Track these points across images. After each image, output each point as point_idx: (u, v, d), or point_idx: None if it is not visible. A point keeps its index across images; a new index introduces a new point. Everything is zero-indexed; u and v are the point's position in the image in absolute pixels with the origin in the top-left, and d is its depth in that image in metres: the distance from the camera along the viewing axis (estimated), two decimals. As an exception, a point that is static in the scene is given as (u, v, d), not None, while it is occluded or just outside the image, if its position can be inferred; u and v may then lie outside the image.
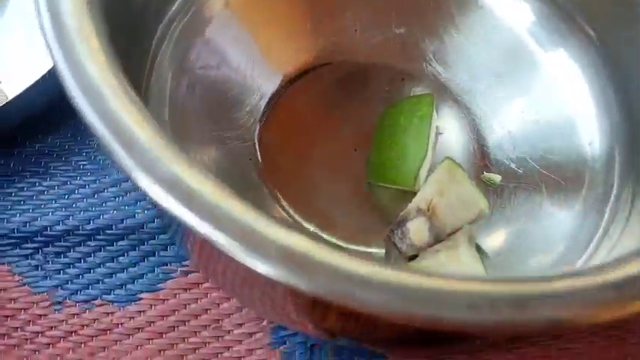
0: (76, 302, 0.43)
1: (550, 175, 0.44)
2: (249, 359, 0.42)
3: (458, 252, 0.38)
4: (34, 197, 0.46)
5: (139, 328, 0.43)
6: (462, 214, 0.40)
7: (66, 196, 0.46)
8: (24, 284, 0.44)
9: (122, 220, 0.46)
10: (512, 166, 0.45)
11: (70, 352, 0.42)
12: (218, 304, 0.43)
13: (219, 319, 0.43)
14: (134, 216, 0.46)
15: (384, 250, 0.42)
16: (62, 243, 0.45)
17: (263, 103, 0.46)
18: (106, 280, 0.44)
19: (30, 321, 0.43)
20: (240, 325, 0.43)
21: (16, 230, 0.45)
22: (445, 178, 0.41)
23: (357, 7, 0.49)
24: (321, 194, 0.44)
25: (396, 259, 0.40)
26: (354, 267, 0.26)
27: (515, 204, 0.44)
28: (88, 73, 0.30)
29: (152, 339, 0.42)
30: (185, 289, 0.44)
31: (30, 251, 0.45)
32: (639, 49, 0.42)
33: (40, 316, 0.43)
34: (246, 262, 0.26)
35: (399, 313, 0.25)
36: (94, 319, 0.43)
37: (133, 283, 0.44)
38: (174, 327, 0.43)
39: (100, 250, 0.45)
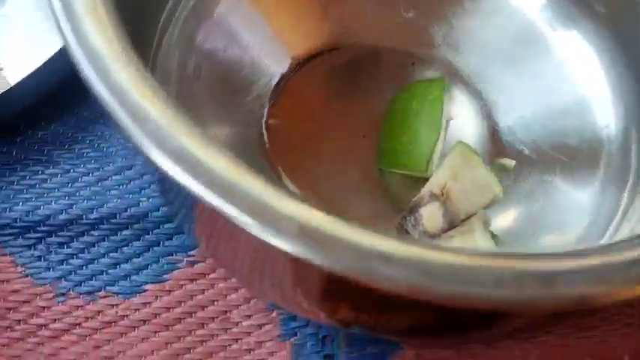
0: (80, 294, 0.42)
1: (565, 159, 0.43)
2: (258, 352, 0.41)
3: (473, 237, 0.38)
4: (37, 186, 0.46)
5: (144, 320, 0.42)
6: (476, 199, 0.40)
7: (69, 185, 0.46)
8: (27, 275, 0.43)
9: (126, 209, 0.45)
10: (526, 150, 0.44)
11: (75, 345, 0.41)
12: (225, 295, 0.42)
13: (226, 311, 0.42)
14: (138, 204, 0.45)
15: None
16: (65, 233, 0.44)
17: (271, 87, 0.45)
18: (109, 271, 0.43)
19: (33, 313, 0.42)
20: (249, 316, 0.42)
21: (18, 220, 0.44)
22: (459, 162, 0.40)
23: (365, -9, 0.47)
24: (330, 180, 0.43)
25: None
26: (375, 242, 0.25)
27: (528, 189, 0.43)
28: (96, 46, 0.29)
29: (158, 331, 0.42)
30: (191, 280, 0.43)
31: (33, 241, 0.44)
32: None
33: (44, 308, 0.42)
34: (262, 238, 0.25)
35: (422, 290, 0.25)
36: (99, 311, 0.42)
37: (138, 274, 0.43)
38: (180, 319, 0.42)
39: (104, 240, 0.44)
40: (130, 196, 0.45)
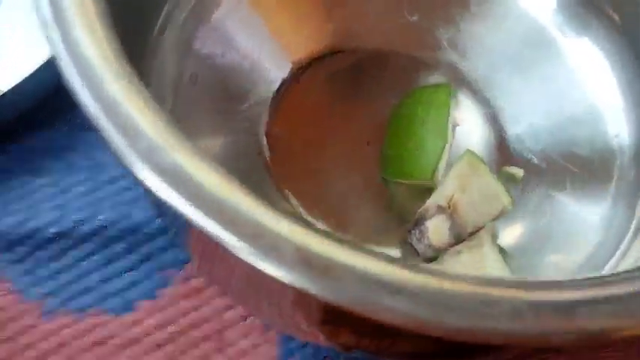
0: (69, 311, 0.41)
1: (575, 169, 0.42)
2: (254, 373, 0.39)
3: (482, 252, 0.37)
4: (26, 197, 0.44)
5: (135, 339, 0.40)
6: (484, 211, 0.39)
7: (59, 196, 0.44)
8: (13, 292, 0.41)
9: (118, 221, 0.43)
10: (535, 160, 0.43)
11: (63, 366, 0.39)
12: (221, 313, 0.41)
13: (221, 330, 0.40)
14: (131, 216, 0.43)
15: (399, 252, 0.40)
16: (55, 246, 0.42)
17: (271, 94, 0.43)
18: (100, 286, 0.42)
19: (19, 332, 0.40)
20: (245, 336, 0.40)
21: (5, 232, 0.43)
22: (467, 173, 0.39)
23: (368, -7, 0.46)
24: (331, 191, 0.42)
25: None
26: (382, 270, 0.23)
27: (537, 200, 0.42)
28: (84, 52, 0.28)
29: (150, 351, 0.40)
30: (185, 296, 0.41)
31: (20, 255, 0.42)
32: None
33: (30, 326, 0.40)
34: (257, 266, 0.23)
35: (432, 325, 0.23)
36: (88, 330, 0.40)
37: (129, 289, 0.41)
38: (173, 338, 0.40)
39: (95, 254, 0.42)
40: (123, 207, 0.43)
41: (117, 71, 0.27)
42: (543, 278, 0.35)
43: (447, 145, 0.42)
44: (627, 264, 0.37)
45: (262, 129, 0.42)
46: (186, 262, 0.42)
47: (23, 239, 0.42)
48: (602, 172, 0.42)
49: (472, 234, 0.38)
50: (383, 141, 0.43)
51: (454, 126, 0.44)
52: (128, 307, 0.41)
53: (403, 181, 0.42)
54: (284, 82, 0.44)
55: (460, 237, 0.38)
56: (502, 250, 0.38)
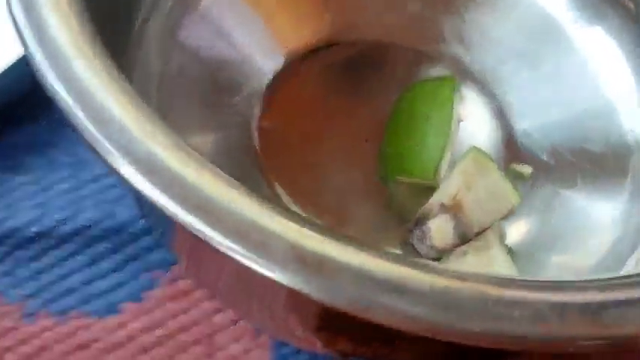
0: (50, 313, 0.39)
1: (587, 166, 0.41)
2: (245, 380, 0.38)
3: (489, 254, 0.35)
4: (5, 195, 0.42)
5: (120, 344, 0.39)
6: (491, 211, 0.37)
7: (41, 194, 0.43)
8: (-8, 293, 0.39)
9: (102, 220, 0.42)
10: (544, 156, 0.41)
11: (43, 370, 0.38)
12: (210, 316, 0.40)
13: (211, 334, 0.39)
14: (116, 215, 0.42)
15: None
16: (35, 246, 0.41)
17: (263, 86, 0.42)
18: (83, 288, 0.40)
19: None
20: (236, 340, 0.39)
21: (-17, 232, 0.41)
22: (472, 170, 0.37)
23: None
24: (327, 190, 0.40)
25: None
26: (386, 269, 0.22)
27: (546, 199, 0.40)
28: (53, 35, 0.27)
29: (135, 355, 0.39)
30: (173, 299, 0.40)
31: (0, 256, 0.41)
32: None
33: (10, 329, 0.39)
34: (245, 264, 0.22)
35: (444, 330, 0.21)
36: (70, 333, 0.39)
37: (114, 291, 0.40)
38: (160, 342, 0.39)
39: (78, 254, 0.41)
40: (107, 206, 0.42)
41: (89, 54, 0.26)
42: (565, 278, 0.33)
43: (450, 142, 0.41)
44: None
45: (254, 124, 0.41)
46: (173, 263, 0.41)
47: (2, 239, 0.41)
48: (616, 168, 0.40)
49: (478, 234, 0.37)
50: (382, 138, 0.42)
51: (458, 121, 0.42)
52: (112, 309, 0.40)
53: (403, 180, 0.41)
54: (277, 75, 0.42)
55: (465, 237, 0.36)
56: (510, 251, 0.37)
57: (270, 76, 0.42)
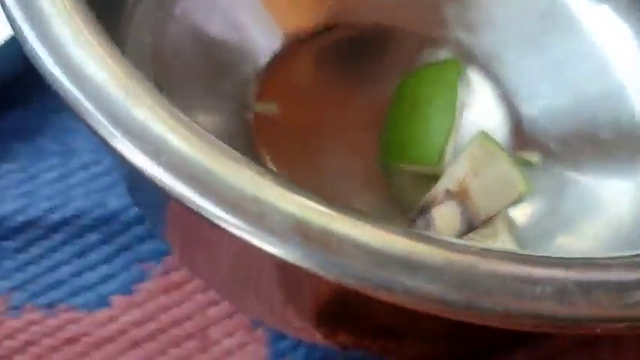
0: (37, 307, 0.39)
1: (595, 153, 0.40)
2: (240, 375, 0.38)
3: (497, 242, 0.34)
4: None
5: (110, 338, 0.38)
6: (498, 198, 0.36)
7: (27, 182, 0.42)
8: (-24, 285, 0.39)
9: (92, 210, 0.41)
10: (552, 142, 0.41)
11: (30, 366, 0.37)
12: (204, 310, 0.39)
13: (205, 327, 0.38)
14: (106, 205, 0.41)
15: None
16: (22, 236, 0.40)
17: (260, 69, 0.41)
18: (72, 280, 0.40)
19: (-18, 329, 0.38)
20: (231, 334, 0.38)
21: (-32, 221, 0.40)
22: (480, 155, 0.36)
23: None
24: (326, 178, 0.40)
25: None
26: (397, 244, 0.20)
27: (554, 187, 0.40)
28: (51, 28, 0.25)
29: (126, 350, 0.38)
30: (165, 291, 0.39)
31: None
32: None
33: None
34: (244, 237, 0.20)
35: (460, 308, 0.20)
36: (58, 327, 0.38)
37: (104, 283, 0.39)
38: (152, 336, 0.38)
39: (66, 245, 0.40)
40: (97, 195, 0.41)
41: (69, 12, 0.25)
42: (592, 255, 0.32)
43: (455, 128, 0.40)
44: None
45: (250, 108, 0.41)
46: (165, 254, 0.40)
47: (-12, 229, 0.40)
48: (627, 150, 0.40)
49: (484, 222, 0.36)
50: (382, 124, 0.41)
51: (462, 107, 0.42)
52: (102, 302, 0.39)
53: (406, 167, 0.40)
54: (275, 58, 0.42)
55: (472, 225, 0.35)
56: (518, 238, 0.36)
57: (268, 59, 0.42)
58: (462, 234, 0.35)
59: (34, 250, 0.40)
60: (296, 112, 0.41)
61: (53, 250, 0.40)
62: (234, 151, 0.22)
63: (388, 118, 0.41)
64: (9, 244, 0.40)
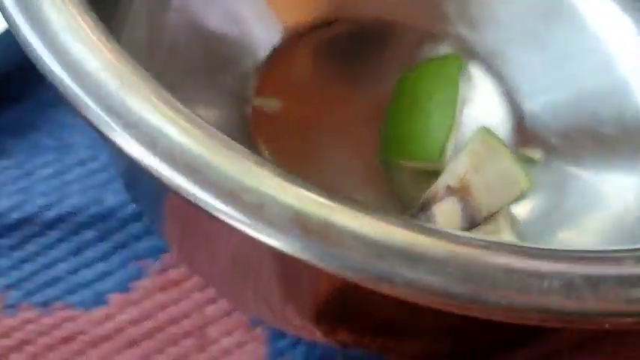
0: (33, 305, 0.38)
1: (598, 148, 0.40)
2: (239, 375, 0.37)
3: (500, 238, 0.34)
4: None
5: (106, 337, 0.38)
6: (499, 195, 0.36)
7: (23, 179, 0.42)
8: (-30, 283, 0.39)
9: (88, 206, 0.41)
10: (554, 138, 0.40)
11: (26, 365, 0.37)
12: (202, 308, 0.38)
13: (203, 326, 0.38)
14: (103, 201, 0.41)
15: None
16: (17, 233, 0.40)
17: (258, 64, 0.41)
18: (68, 277, 0.39)
19: (-22, 328, 0.38)
20: (229, 333, 0.38)
21: (-36, 219, 0.40)
22: (482, 151, 0.36)
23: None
24: (326, 174, 0.39)
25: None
26: (398, 236, 0.20)
27: (557, 184, 0.39)
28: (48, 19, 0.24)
29: (123, 349, 0.37)
30: (162, 289, 0.39)
31: None
32: None
33: None
34: (242, 229, 0.20)
35: (464, 302, 0.19)
36: (54, 326, 0.38)
37: (100, 281, 0.39)
38: (149, 335, 0.38)
39: (62, 242, 0.40)
40: (93, 191, 0.41)
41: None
42: (601, 248, 0.32)
43: (456, 124, 0.40)
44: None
45: (249, 102, 0.40)
46: (163, 251, 0.40)
47: (-17, 226, 0.40)
48: (630, 146, 0.39)
49: (486, 219, 0.36)
50: (382, 120, 0.41)
51: (464, 103, 0.41)
52: (99, 300, 0.39)
53: (406, 163, 0.40)
54: (274, 52, 0.42)
55: (474, 221, 0.35)
56: (519, 234, 0.36)
57: (267, 53, 0.41)
58: (464, 230, 0.35)
59: (30, 248, 0.40)
60: (295, 106, 0.41)
61: (49, 247, 0.40)
62: (232, 142, 0.22)
63: (388, 113, 0.41)
64: (4, 241, 0.40)
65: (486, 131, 0.37)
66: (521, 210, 0.37)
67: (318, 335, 0.32)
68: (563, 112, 0.41)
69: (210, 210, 0.20)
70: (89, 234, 0.40)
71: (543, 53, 0.42)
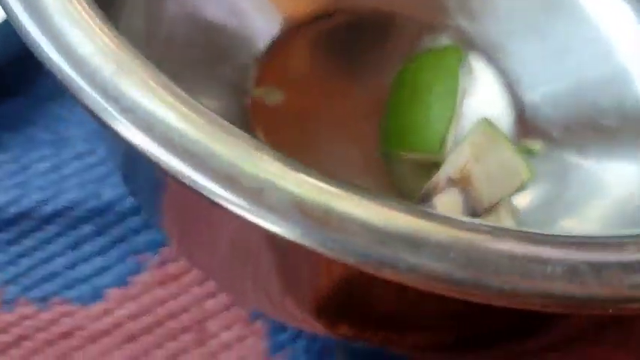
0: (31, 300, 0.38)
1: (598, 137, 0.39)
2: (239, 369, 0.37)
3: None
4: None
5: (105, 331, 0.37)
6: (500, 186, 0.36)
7: (20, 173, 0.41)
8: (-32, 279, 0.38)
9: (86, 201, 0.40)
10: (553, 130, 0.40)
11: (24, 361, 0.37)
12: (201, 302, 0.38)
13: (202, 320, 0.38)
14: (100, 195, 0.40)
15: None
16: (14, 228, 0.40)
17: (257, 55, 0.41)
18: (66, 272, 0.39)
19: (-25, 324, 0.37)
20: (229, 327, 0.38)
21: (-41, 213, 0.40)
22: (482, 142, 0.36)
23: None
24: (325, 166, 0.38)
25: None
26: (401, 221, 0.20)
27: (558, 174, 0.39)
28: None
29: (122, 344, 0.37)
30: (161, 284, 0.39)
31: None
32: None
33: None
34: (240, 213, 0.20)
35: (467, 287, 0.19)
36: (52, 321, 0.38)
37: (98, 276, 0.39)
38: (148, 329, 0.38)
39: (60, 237, 0.40)
40: (91, 185, 0.41)
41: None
42: (604, 233, 0.32)
43: (456, 115, 0.40)
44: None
45: (248, 94, 0.40)
46: (161, 245, 0.39)
47: (-20, 221, 0.40)
48: (631, 135, 0.39)
49: (487, 210, 0.35)
50: (382, 112, 0.41)
51: (464, 94, 0.41)
52: (97, 295, 0.38)
53: (406, 155, 0.39)
54: (273, 43, 0.41)
55: (475, 212, 0.35)
56: (520, 224, 0.36)
57: (266, 44, 0.41)
58: (465, 221, 0.35)
59: (27, 243, 0.40)
60: (295, 97, 0.41)
61: (47, 242, 0.40)
62: (231, 126, 0.22)
63: (388, 104, 0.40)
64: (1, 236, 0.40)
65: (487, 122, 0.37)
66: (523, 200, 0.37)
67: (318, 328, 0.31)
68: (563, 103, 0.41)
69: (210, 195, 0.20)
70: (87, 228, 0.40)
71: (543, 44, 0.42)
